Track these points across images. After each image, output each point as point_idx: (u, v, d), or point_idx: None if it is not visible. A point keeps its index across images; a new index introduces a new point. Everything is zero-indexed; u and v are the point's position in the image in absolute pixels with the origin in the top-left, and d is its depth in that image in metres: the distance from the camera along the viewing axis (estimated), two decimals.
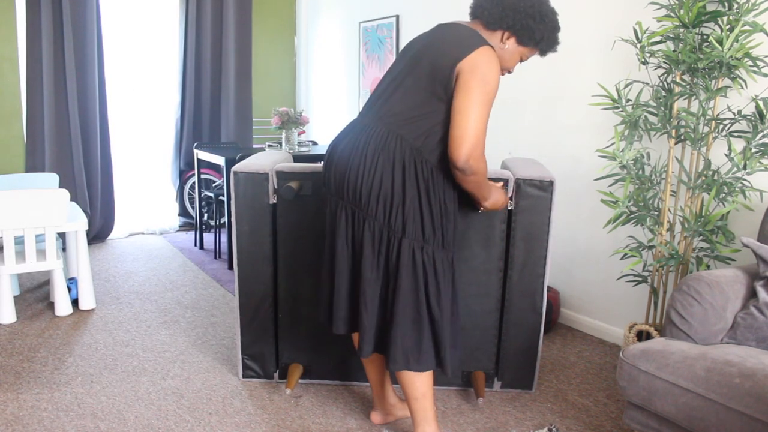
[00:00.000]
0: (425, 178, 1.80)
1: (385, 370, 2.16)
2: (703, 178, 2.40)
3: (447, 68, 1.75)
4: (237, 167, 2.35)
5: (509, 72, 1.96)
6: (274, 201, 2.38)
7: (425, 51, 1.82)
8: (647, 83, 2.69)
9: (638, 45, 2.48)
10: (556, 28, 1.88)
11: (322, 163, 1.97)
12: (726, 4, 2.30)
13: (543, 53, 1.94)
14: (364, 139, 1.82)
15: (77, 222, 3.26)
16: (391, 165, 1.78)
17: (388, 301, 1.87)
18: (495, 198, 2.00)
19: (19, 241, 3.34)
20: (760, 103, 2.26)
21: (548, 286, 3.31)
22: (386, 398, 2.22)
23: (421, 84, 1.79)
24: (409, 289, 1.83)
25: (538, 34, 1.84)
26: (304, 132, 4.72)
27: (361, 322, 1.88)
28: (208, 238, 4.98)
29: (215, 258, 4.46)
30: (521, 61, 1.94)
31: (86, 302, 3.36)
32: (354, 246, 1.88)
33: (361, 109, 1.92)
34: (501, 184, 2.16)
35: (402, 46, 4.40)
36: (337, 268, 1.90)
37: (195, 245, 4.80)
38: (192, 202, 5.30)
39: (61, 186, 4.39)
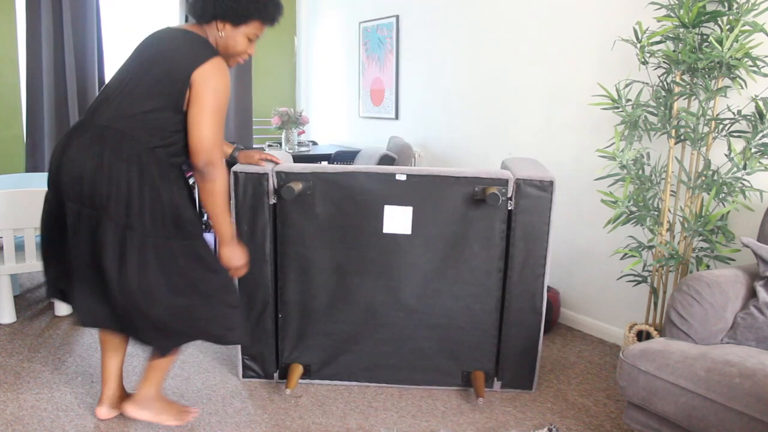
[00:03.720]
0: (160, 175, 1.89)
1: (122, 364, 2.24)
2: (703, 178, 2.40)
3: (181, 77, 1.85)
4: (237, 167, 2.35)
5: (249, 55, 2.03)
6: (274, 201, 2.38)
7: (159, 57, 1.89)
8: (647, 83, 2.69)
9: (638, 45, 2.48)
10: None
11: (48, 165, 1.99)
12: (726, 4, 2.30)
13: (268, 23, 1.99)
14: (97, 142, 1.85)
15: None
16: (126, 167, 1.84)
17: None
18: (232, 249, 2.07)
19: (19, 241, 3.34)
20: (760, 103, 2.26)
21: (548, 286, 3.31)
22: (118, 391, 2.25)
23: (155, 89, 1.87)
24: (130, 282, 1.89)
25: (243, 9, 1.90)
26: (304, 132, 4.73)
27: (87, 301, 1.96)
28: (208, 238, 4.98)
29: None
30: (252, 40, 2.00)
31: None
32: (84, 243, 1.91)
33: (89, 108, 1.97)
34: (242, 252, 2.14)
35: (402, 46, 4.40)
36: (75, 264, 1.93)
37: None
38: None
39: None
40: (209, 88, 1.86)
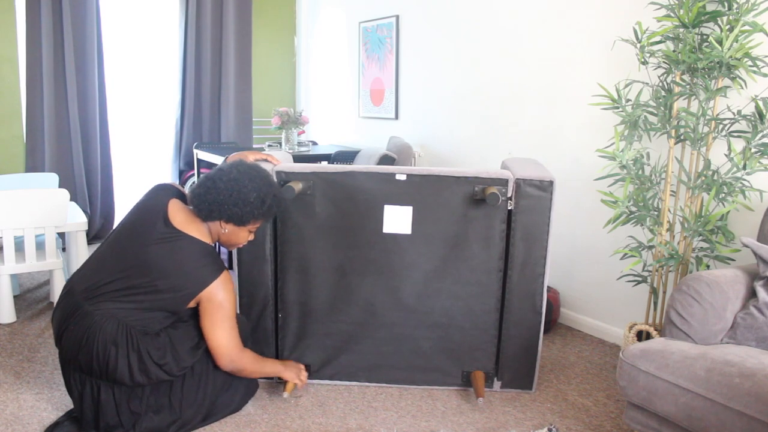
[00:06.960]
0: (146, 347, 2.02)
1: None
2: (703, 178, 2.40)
3: (184, 296, 2.02)
4: None
5: (252, 236, 2.21)
6: None
7: (156, 266, 1.99)
8: (647, 83, 2.69)
9: (638, 45, 2.48)
10: (264, 202, 2.09)
11: (55, 328, 2.09)
12: (726, 4, 2.30)
13: (266, 221, 2.21)
14: (93, 333, 1.97)
15: (77, 222, 3.26)
16: (125, 355, 1.98)
17: None
18: (287, 373, 2.34)
19: (19, 241, 3.34)
20: (760, 103, 2.26)
21: (548, 286, 3.31)
22: None
23: (153, 296, 2.00)
24: None
25: (246, 216, 2.08)
26: (304, 132, 4.72)
27: None
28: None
29: None
30: (252, 231, 2.18)
31: None
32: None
33: (82, 280, 2.07)
34: (302, 368, 2.43)
35: (402, 46, 4.40)
36: None
37: None
38: None
39: (61, 186, 4.39)
40: (215, 304, 2.05)
